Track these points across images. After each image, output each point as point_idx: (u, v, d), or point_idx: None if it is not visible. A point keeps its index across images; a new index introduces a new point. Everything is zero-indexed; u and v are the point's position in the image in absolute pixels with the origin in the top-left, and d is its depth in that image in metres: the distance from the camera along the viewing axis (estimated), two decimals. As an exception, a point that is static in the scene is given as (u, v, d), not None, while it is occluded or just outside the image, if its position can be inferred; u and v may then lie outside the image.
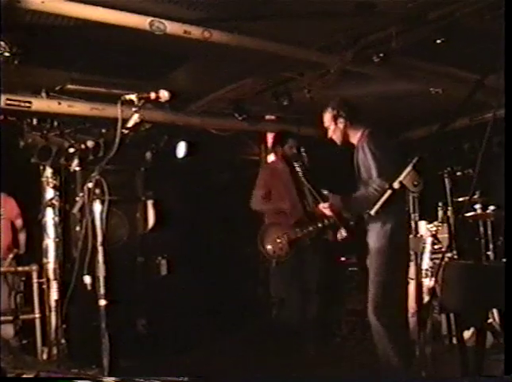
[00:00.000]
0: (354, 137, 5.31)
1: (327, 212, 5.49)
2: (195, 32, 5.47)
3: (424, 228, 4.99)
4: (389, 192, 2.86)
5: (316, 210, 6.32)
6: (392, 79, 7.05)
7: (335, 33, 5.98)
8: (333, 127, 5.36)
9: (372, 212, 2.89)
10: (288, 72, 6.90)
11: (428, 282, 4.45)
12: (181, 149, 8.39)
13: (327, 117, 5.39)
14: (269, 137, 8.25)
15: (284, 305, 7.14)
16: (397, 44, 5.88)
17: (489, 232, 6.66)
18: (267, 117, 8.54)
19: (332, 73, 6.69)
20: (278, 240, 6.73)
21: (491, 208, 6.49)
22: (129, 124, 4.06)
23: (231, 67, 6.68)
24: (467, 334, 4.96)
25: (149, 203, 8.93)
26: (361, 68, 6.64)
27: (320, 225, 6.39)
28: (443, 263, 3.08)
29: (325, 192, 5.57)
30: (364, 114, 5.44)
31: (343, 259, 8.24)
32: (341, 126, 5.30)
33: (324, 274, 6.89)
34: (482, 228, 6.65)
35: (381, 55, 6.07)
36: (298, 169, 6.66)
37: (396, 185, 2.83)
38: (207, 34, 5.51)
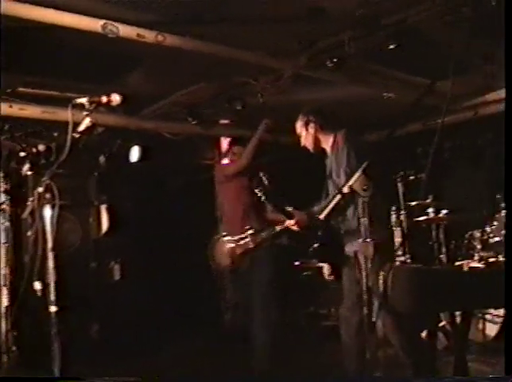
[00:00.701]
0: (327, 142, 5.34)
1: (295, 228, 5.44)
2: (149, 35, 5.44)
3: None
4: (338, 196, 2.87)
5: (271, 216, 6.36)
6: (345, 84, 7.10)
7: (288, 37, 5.99)
8: (305, 134, 5.39)
9: (321, 217, 2.89)
10: (242, 76, 6.89)
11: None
12: (135, 153, 8.33)
13: (299, 124, 5.43)
14: (223, 141, 8.21)
15: (238, 309, 7.13)
16: (351, 50, 5.92)
17: (441, 236, 6.73)
18: (221, 121, 8.52)
19: (286, 78, 6.71)
20: (228, 252, 6.67)
21: (444, 211, 6.55)
22: (81, 128, 4.01)
23: (185, 71, 6.66)
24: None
25: (103, 207, 8.86)
26: (315, 73, 6.67)
27: (272, 231, 6.37)
28: (393, 266, 3.10)
29: (289, 208, 5.56)
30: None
31: (297, 263, 8.27)
32: (312, 131, 5.33)
33: (279, 279, 6.88)
34: (434, 232, 6.71)
35: (334, 60, 6.11)
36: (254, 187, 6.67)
37: (345, 189, 2.85)
38: (161, 38, 5.48)
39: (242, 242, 6.53)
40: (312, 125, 5.33)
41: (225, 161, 7.37)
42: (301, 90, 7.29)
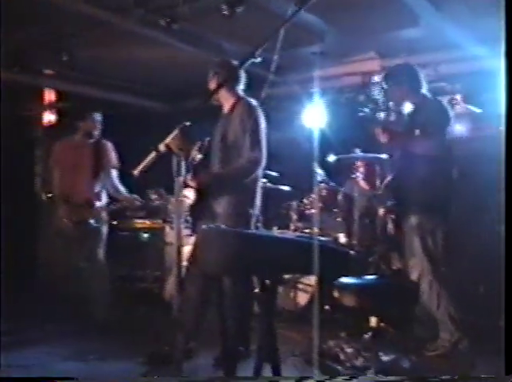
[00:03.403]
0: (227, 99, 5.28)
1: (195, 185, 5.25)
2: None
3: (188, 192, 5.06)
4: (153, 153, 2.82)
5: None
6: (177, 46, 7.01)
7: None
8: (211, 83, 5.29)
9: (135, 172, 2.83)
10: (71, 27, 6.62)
11: (187, 247, 4.49)
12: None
13: (210, 72, 5.31)
14: (47, 93, 7.92)
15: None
16: (185, 11, 5.86)
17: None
18: (45, 72, 8.16)
19: (117, 33, 6.55)
20: (64, 221, 6.54)
21: (263, 180, 6.67)
22: None
23: (10, 16, 6.30)
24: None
25: None
26: (147, 31, 6.55)
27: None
28: (202, 227, 3.10)
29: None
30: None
31: (114, 223, 8.15)
32: (215, 82, 5.22)
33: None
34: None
35: (168, 20, 6.03)
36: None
37: (162, 147, 2.79)
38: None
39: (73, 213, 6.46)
40: (217, 77, 5.23)
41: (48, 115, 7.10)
42: (133, 47, 7.15)
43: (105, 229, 6.73)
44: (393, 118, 5.71)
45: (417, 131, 5.31)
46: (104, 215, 6.69)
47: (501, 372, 3.24)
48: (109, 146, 6.82)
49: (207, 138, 4.92)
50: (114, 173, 6.81)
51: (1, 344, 5.09)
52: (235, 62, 5.22)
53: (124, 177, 6.60)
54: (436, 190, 5.29)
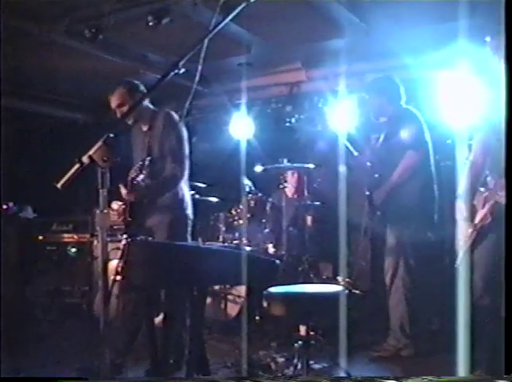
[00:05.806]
0: (142, 117, 5.18)
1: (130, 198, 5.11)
2: None
3: (115, 205, 5.01)
4: (77, 165, 2.78)
5: None
6: (102, 57, 6.93)
7: (47, 1, 5.74)
8: (130, 103, 5.09)
9: (59, 185, 2.79)
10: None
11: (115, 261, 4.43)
12: None
13: (121, 94, 5.15)
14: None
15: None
16: (110, 22, 5.80)
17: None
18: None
19: (43, 44, 6.45)
20: None
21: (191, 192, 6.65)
22: None
23: None
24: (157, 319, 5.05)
25: None
26: (72, 42, 6.45)
27: None
28: (129, 241, 3.08)
29: None
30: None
31: (40, 237, 8.02)
32: (136, 99, 5.07)
33: (20, 252, 6.61)
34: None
35: (93, 30, 5.95)
36: None
37: (85, 159, 2.76)
38: None
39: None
40: (138, 94, 5.12)
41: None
42: (58, 58, 7.03)
43: None
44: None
45: (393, 142, 5.51)
46: None
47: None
48: None
49: (148, 158, 4.85)
50: None
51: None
52: (142, 88, 5.22)
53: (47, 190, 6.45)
54: (417, 200, 5.47)
